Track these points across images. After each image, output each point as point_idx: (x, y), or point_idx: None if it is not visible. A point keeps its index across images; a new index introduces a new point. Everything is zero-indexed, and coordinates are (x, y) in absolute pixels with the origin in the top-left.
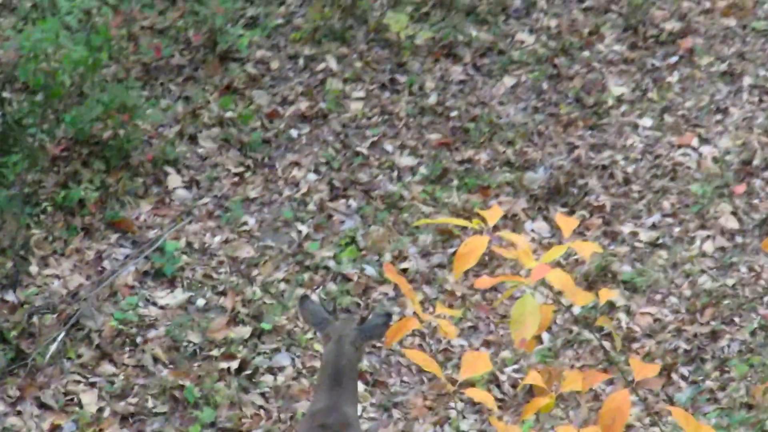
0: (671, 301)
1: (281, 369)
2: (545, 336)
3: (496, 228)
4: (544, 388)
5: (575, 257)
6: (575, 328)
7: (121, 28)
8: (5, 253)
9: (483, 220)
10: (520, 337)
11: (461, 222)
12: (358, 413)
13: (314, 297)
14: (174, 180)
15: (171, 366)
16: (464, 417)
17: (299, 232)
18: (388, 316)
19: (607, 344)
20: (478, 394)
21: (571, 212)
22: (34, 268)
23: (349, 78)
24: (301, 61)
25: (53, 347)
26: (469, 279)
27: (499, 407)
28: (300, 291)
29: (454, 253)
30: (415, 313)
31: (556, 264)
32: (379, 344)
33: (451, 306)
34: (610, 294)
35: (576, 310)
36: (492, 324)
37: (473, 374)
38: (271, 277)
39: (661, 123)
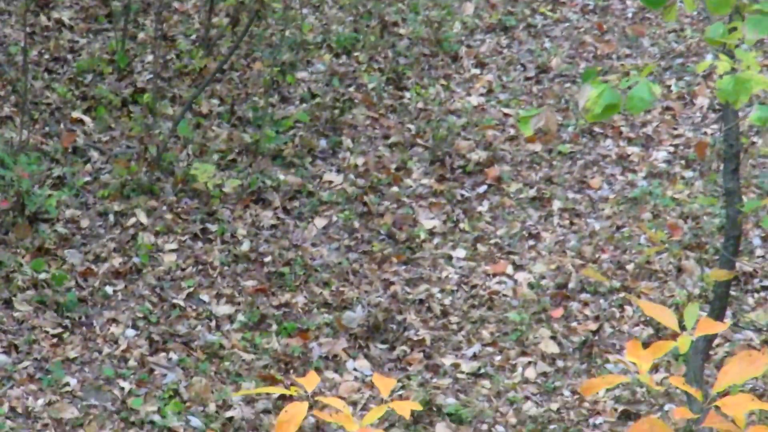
0: (498, 430)
1: None
2: None
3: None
4: None
5: (399, 393)
6: None
7: None
8: None
9: (301, 388)
10: None
11: (280, 390)
12: None
13: None
14: None
15: None
16: None
17: (122, 388)
18: None
19: None
20: None
21: (392, 348)
22: None
23: (160, 231)
24: (111, 217)
25: None
26: None
27: None
28: None
29: (279, 398)
30: None
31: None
32: None
33: None
34: None
35: None
36: None
37: None
38: None
39: (474, 253)
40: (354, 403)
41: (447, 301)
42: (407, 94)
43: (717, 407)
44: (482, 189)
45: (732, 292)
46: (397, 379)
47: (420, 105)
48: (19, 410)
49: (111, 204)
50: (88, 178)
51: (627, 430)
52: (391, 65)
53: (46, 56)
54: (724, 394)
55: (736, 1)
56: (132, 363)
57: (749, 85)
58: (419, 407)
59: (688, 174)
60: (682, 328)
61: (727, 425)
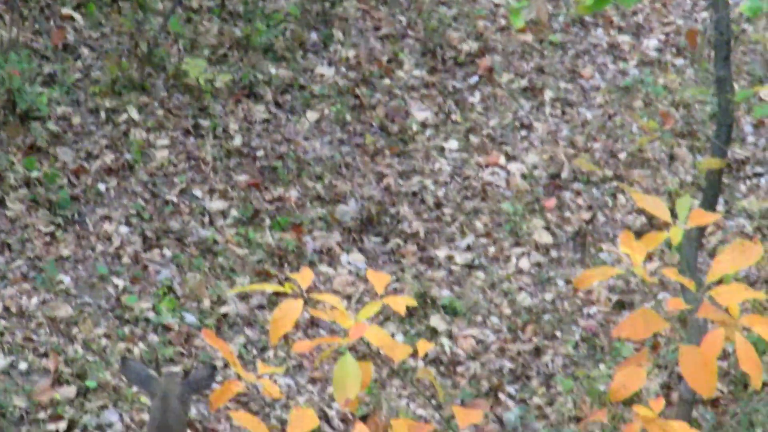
0: (492, 322)
1: (110, 426)
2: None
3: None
4: None
5: (394, 286)
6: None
7: None
8: None
9: (296, 284)
10: (344, 398)
11: (275, 288)
12: None
13: (136, 351)
14: None
15: None
16: None
17: (116, 286)
18: (213, 368)
19: (433, 369)
20: None
21: (386, 241)
22: None
23: (152, 127)
24: (102, 115)
25: None
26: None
27: None
28: (122, 345)
29: (274, 293)
30: (237, 374)
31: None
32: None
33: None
34: (427, 346)
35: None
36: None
37: None
38: (91, 334)
39: (467, 144)
40: (348, 297)
41: (440, 193)
42: None
43: (711, 297)
44: (474, 80)
45: (724, 180)
46: (391, 272)
47: None
48: (13, 310)
49: (102, 101)
50: (78, 75)
51: (621, 321)
52: None
53: None
54: (718, 282)
55: None
56: (126, 260)
57: None
58: (413, 303)
59: (679, 62)
60: (675, 217)
61: (720, 315)
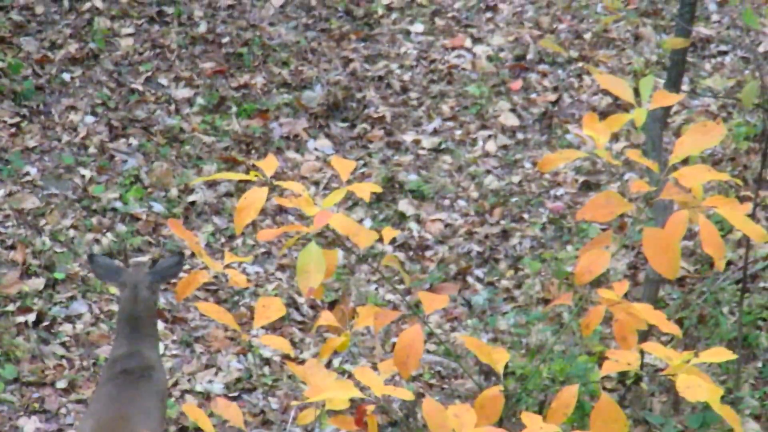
0: (460, 205)
1: (79, 317)
2: (340, 254)
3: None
4: (339, 328)
5: (361, 171)
6: None
7: None
8: None
9: (261, 171)
10: (307, 286)
11: (239, 176)
12: (161, 352)
13: (104, 242)
14: None
15: None
16: (266, 345)
17: (82, 176)
18: (181, 255)
19: (401, 254)
20: (273, 341)
21: (352, 126)
22: None
23: (116, 15)
24: (66, 3)
25: None
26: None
27: (301, 330)
28: (89, 236)
29: (240, 181)
30: (204, 264)
31: (347, 182)
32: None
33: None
34: (392, 233)
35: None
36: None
37: (267, 321)
38: (59, 226)
39: (432, 27)
40: (316, 183)
41: (406, 77)
42: None
43: (674, 179)
44: None
45: (689, 59)
46: (358, 157)
47: None
48: None
49: None
50: None
51: (585, 204)
52: None
53: None
54: (684, 162)
55: None
56: (92, 150)
57: None
58: (378, 189)
59: None
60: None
61: (684, 196)
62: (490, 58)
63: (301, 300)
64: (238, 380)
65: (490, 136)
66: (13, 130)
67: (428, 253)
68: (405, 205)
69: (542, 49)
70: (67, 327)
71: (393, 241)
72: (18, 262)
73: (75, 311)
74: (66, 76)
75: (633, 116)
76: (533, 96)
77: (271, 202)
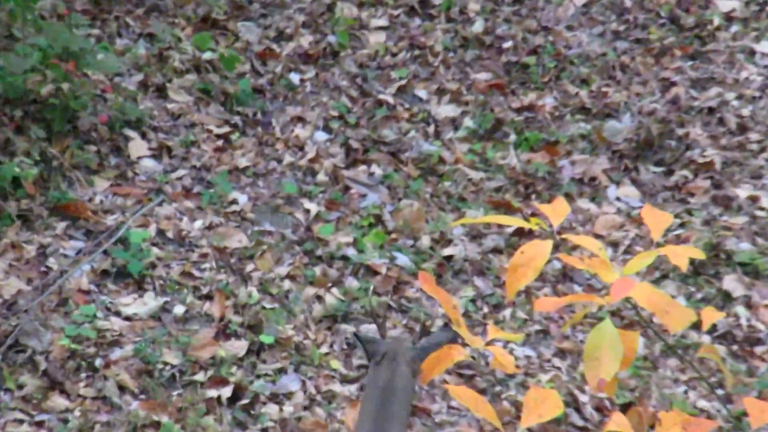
0: None
1: (288, 396)
2: (641, 340)
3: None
4: None
5: (676, 233)
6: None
7: None
8: None
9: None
10: (596, 378)
11: (516, 222)
12: None
13: (328, 299)
14: (138, 147)
15: (142, 396)
16: None
17: (307, 211)
18: (454, 333)
19: (722, 348)
20: None
21: (669, 172)
22: None
23: (365, 1)
24: None
25: None
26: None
27: None
28: (310, 291)
29: (513, 233)
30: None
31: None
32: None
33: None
34: (715, 316)
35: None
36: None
37: (539, 421)
38: (271, 274)
39: None
40: (614, 244)
41: (746, 112)
42: None
43: None
44: None
45: None
46: (674, 214)
47: None
48: (170, 235)
49: None
50: None
51: None
52: None
53: None
54: None
55: None
56: (321, 177)
57: None
58: (701, 255)
59: None
60: None
61: None
62: None
63: (583, 398)
64: None
65: None
66: (220, 143)
67: (758, 349)
68: (732, 283)
69: None
70: (272, 408)
71: (713, 328)
72: (214, 317)
73: (284, 388)
74: (294, 78)
75: None
76: None
77: (552, 265)
